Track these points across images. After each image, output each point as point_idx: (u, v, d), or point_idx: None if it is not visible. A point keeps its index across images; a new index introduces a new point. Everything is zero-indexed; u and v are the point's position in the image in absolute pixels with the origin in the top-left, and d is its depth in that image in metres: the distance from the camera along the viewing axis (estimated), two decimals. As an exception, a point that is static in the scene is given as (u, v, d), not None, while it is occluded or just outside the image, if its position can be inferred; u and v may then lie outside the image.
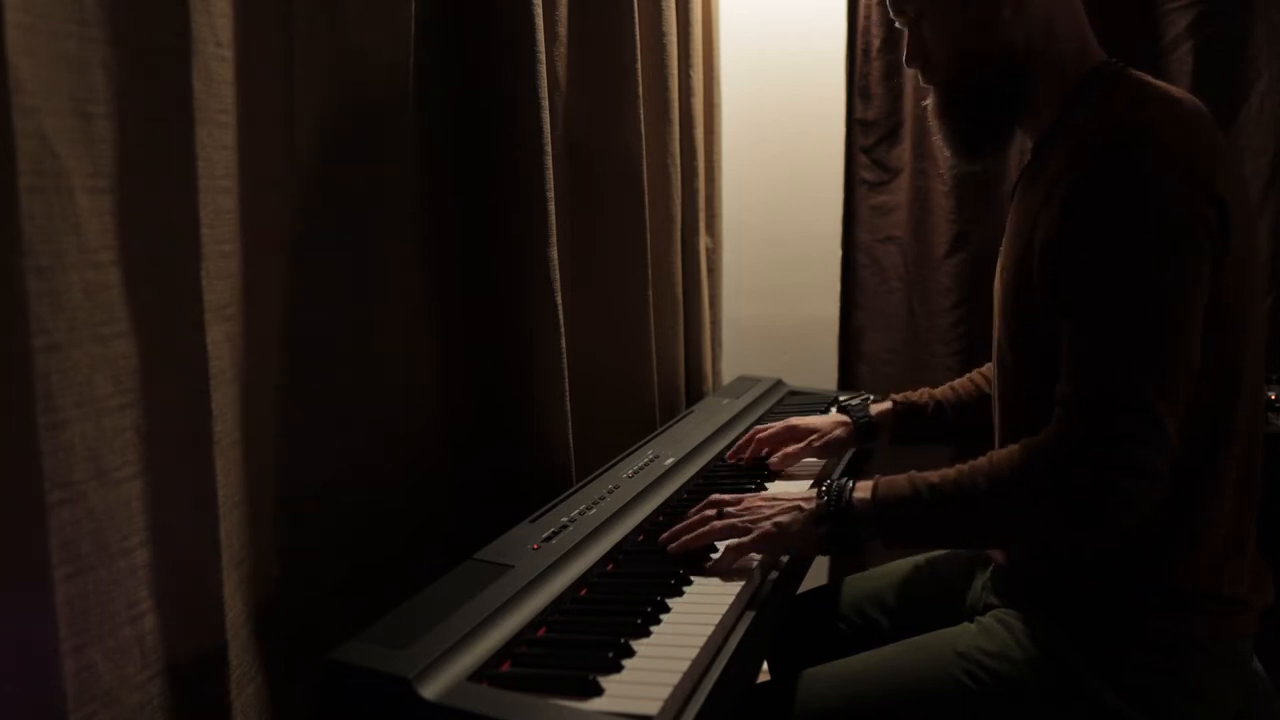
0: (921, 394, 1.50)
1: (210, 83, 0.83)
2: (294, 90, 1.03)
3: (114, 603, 0.76)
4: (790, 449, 1.44)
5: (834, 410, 1.56)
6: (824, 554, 1.12)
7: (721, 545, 1.09)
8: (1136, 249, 0.96)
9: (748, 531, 1.07)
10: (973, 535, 1.13)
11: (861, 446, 1.50)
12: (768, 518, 1.07)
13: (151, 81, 0.77)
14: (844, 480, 1.07)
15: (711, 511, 1.11)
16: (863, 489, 1.05)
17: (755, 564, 1.07)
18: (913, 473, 1.05)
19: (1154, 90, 1.05)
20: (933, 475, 1.04)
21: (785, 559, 1.11)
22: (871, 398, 1.53)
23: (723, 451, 1.52)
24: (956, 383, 1.50)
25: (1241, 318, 1.01)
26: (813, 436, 1.45)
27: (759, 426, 1.51)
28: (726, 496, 1.14)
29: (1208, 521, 1.03)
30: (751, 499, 1.12)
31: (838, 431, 1.47)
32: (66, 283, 0.71)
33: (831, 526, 1.05)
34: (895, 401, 1.50)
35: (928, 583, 1.36)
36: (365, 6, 1.10)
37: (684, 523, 1.11)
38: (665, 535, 1.11)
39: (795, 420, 1.49)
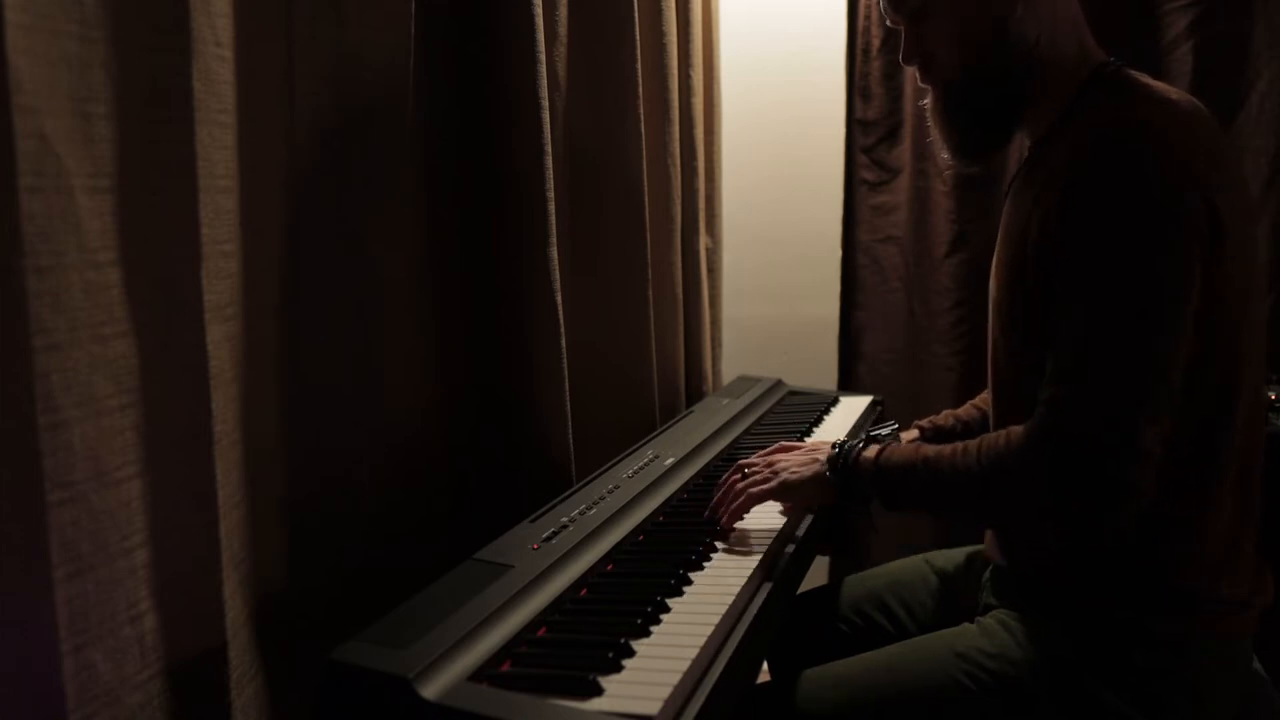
0: (945, 417, 1.49)
1: (210, 83, 0.83)
2: (294, 90, 1.03)
3: (114, 603, 0.76)
4: None
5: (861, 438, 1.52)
6: (835, 503, 1.19)
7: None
8: (1134, 245, 0.95)
9: (768, 481, 1.18)
10: (961, 508, 1.17)
11: None
12: (786, 467, 1.19)
13: (151, 81, 0.77)
14: (856, 441, 1.16)
15: (738, 476, 1.21)
16: (871, 450, 1.13)
17: (780, 516, 1.19)
18: (921, 444, 1.11)
19: (1153, 91, 1.05)
20: (932, 449, 1.08)
21: (805, 529, 1.18)
22: (898, 426, 1.49)
23: (724, 451, 1.52)
24: (971, 404, 1.49)
25: (1239, 318, 1.01)
26: None
27: (785, 444, 1.44)
28: (752, 459, 1.25)
29: (1208, 522, 1.03)
30: (775, 455, 1.24)
31: None
32: (66, 283, 0.71)
33: (840, 479, 1.14)
34: (922, 429, 1.48)
35: (928, 583, 1.36)
36: (365, 6, 1.10)
37: (718, 494, 1.20)
38: (707, 513, 1.19)
39: (820, 444, 1.43)
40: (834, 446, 1.18)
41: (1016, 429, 1.00)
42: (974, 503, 1.07)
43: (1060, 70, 1.10)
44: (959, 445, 1.05)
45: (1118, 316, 0.95)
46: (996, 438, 1.02)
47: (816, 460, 1.18)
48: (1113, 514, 0.94)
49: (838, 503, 1.18)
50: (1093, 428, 0.94)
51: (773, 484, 1.17)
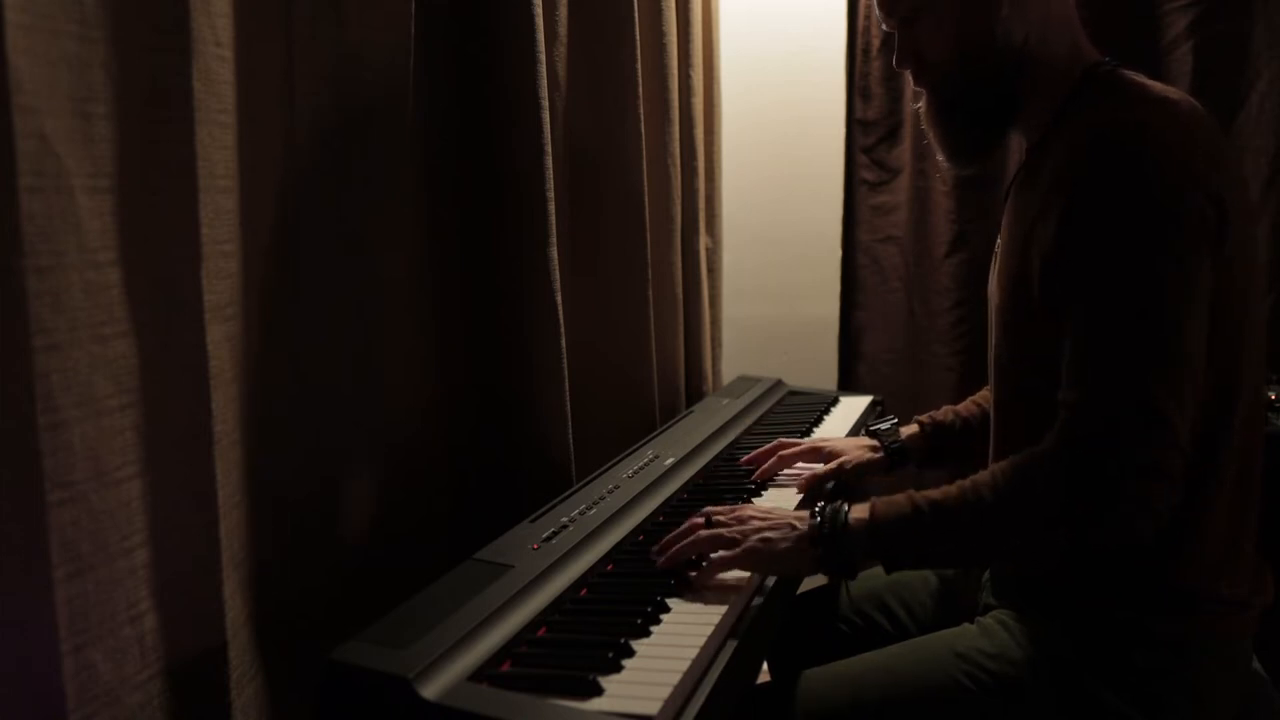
0: (945, 412, 1.47)
1: (210, 83, 0.83)
2: (294, 90, 1.03)
3: (114, 603, 0.76)
4: (817, 470, 1.38)
5: (862, 434, 1.51)
6: (816, 574, 1.07)
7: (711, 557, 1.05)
8: (1136, 246, 0.95)
9: (735, 544, 1.03)
10: (979, 553, 1.10)
11: (891, 473, 1.44)
12: (758, 531, 1.03)
13: (151, 81, 0.77)
14: (839, 502, 1.03)
15: (700, 520, 1.07)
16: (860, 509, 1.02)
17: (736, 578, 1.03)
18: (911, 491, 1.02)
19: (1150, 90, 1.05)
20: (934, 493, 1.00)
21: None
22: (897, 421, 1.48)
23: (724, 451, 1.52)
24: (971, 400, 1.48)
25: (1240, 318, 1.01)
26: (843, 460, 1.39)
27: (784, 440, 1.45)
28: (719, 508, 1.10)
29: (1208, 522, 1.03)
30: (744, 509, 1.08)
31: (867, 455, 1.41)
32: (66, 283, 0.71)
33: (826, 549, 1.01)
34: (922, 424, 1.46)
35: (928, 583, 1.36)
36: (365, 6, 1.10)
37: (674, 533, 1.07)
38: (656, 547, 1.07)
39: (820, 442, 1.44)
40: (813, 515, 1.03)
41: (1032, 448, 0.97)
42: (997, 538, 1.01)
43: (1051, 70, 1.10)
44: (963, 482, 1.00)
45: (1118, 318, 0.95)
46: (1012, 461, 0.98)
47: (792, 528, 1.03)
48: (1114, 515, 0.94)
49: (819, 573, 1.05)
50: (1094, 429, 0.94)
51: (737, 552, 1.02)
